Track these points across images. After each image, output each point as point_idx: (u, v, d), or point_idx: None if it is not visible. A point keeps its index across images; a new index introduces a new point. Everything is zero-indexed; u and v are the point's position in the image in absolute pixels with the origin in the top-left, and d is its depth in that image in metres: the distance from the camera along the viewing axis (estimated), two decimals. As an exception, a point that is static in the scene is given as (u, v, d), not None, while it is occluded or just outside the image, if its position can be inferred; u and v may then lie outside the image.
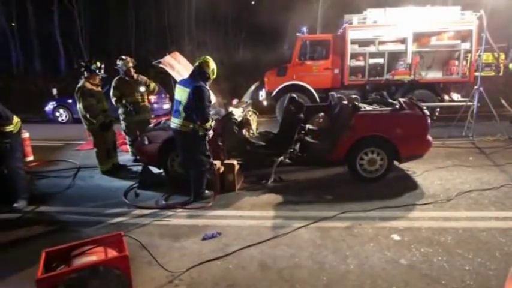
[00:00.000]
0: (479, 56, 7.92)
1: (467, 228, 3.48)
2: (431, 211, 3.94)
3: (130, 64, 5.93)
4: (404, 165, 5.36)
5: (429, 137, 4.90)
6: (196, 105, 4.09)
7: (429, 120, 4.87)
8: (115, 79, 5.96)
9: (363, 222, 3.69)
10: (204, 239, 3.47)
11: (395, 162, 5.01)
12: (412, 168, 5.38)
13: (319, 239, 3.39)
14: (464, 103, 7.82)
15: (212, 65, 4.25)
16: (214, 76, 4.31)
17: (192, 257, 3.13)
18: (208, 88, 4.23)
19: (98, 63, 5.51)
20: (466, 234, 3.37)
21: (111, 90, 5.90)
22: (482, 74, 7.64)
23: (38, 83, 18.72)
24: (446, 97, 9.41)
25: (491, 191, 4.43)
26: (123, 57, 6.02)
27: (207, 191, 4.51)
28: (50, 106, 12.33)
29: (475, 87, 7.35)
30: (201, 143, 4.32)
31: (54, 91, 12.67)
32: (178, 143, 4.43)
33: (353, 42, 9.34)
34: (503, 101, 7.90)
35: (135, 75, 6.01)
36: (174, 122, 4.29)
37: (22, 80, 20.09)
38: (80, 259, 2.44)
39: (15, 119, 4.40)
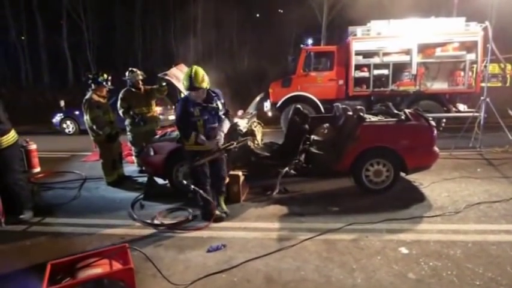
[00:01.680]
0: (485, 66, 7.90)
1: (476, 242, 3.41)
2: (440, 224, 3.88)
3: (140, 77, 6.01)
4: (410, 177, 5.30)
5: (436, 148, 4.86)
6: None
7: (435, 131, 4.83)
8: (122, 91, 6.03)
9: (369, 235, 3.64)
10: (208, 251, 3.44)
11: (402, 174, 4.97)
12: (419, 179, 5.32)
13: (325, 252, 3.34)
14: (470, 114, 7.77)
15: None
16: (186, 84, 3.83)
17: (197, 270, 3.10)
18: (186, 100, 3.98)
19: (105, 75, 5.59)
20: (476, 248, 3.30)
21: (119, 102, 5.95)
22: (489, 84, 7.60)
23: (46, 95, 19.01)
24: (453, 108, 9.37)
25: (500, 204, 4.35)
26: (134, 69, 6.10)
27: (217, 213, 4.13)
28: (57, 118, 12.48)
29: (482, 98, 7.31)
30: (186, 157, 4.17)
31: (62, 103, 12.87)
32: None
33: (357, 53, 9.38)
34: (510, 112, 7.84)
35: (142, 88, 6.08)
36: None
37: (30, 92, 20.43)
38: (85, 271, 2.44)
39: (11, 133, 4.27)
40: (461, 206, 4.30)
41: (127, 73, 6.07)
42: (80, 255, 2.61)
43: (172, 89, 6.06)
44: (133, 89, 6.01)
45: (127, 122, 6.10)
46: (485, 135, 7.38)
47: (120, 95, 5.99)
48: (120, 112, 5.97)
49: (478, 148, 7.18)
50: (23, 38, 24.01)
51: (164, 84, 5.96)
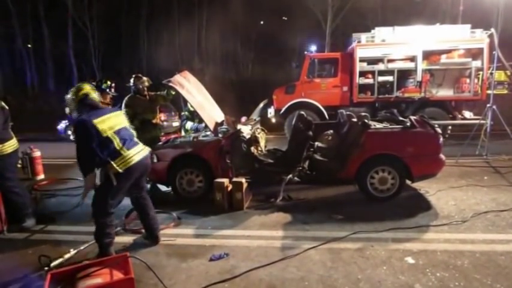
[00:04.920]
0: (491, 74, 7.84)
1: (484, 252, 3.34)
2: (446, 233, 3.81)
3: (146, 83, 5.99)
4: (416, 185, 5.24)
5: (442, 156, 4.79)
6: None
7: (441, 139, 4.78)
8: (127, 97, 5.99)
9: (375, 244, 3.58)
10: (211, 259, 3.39)
11: (408, 181, 4.90)
12: (425, 187, 5.25)
13: (329, 261, 3.28)
14: (477, 121, 7.70)
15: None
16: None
17: (199, 279, 3.06)
18: None
19: (109, 82, 5.58)
20: (484, 258, 3.23)
21: (124, 109, 5.90)
22: (495, 92, 7.54)
23: (51, 102, 19.17)
24: (459, 115, 9.30)
25: (508, 212, 4.27)
26: (140, 75, 6.11)
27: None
28: (62, 125, 12.55)
29: (488, 105, 7.24)
30: None
31: (67, 110, 12.94)
32: (143, 175, 3.71)
33: (362, 60, 9.37)
34: None
35: (147, 95, 6.07)
36: (140, 150, 3.56)
37: (36, 99, 20.63)
38: (85, 281, 2.41)
39: (6, 143, 4.21)
40: (468, 214, 4.23)
41: (131, 80, 6.05)
42: (81, 264, 2.59)
43: (177, 96, 6.05)
44: (138, 96, 6.00)
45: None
46: (492, 142, 7.30)
47: (125, 102, 5.95)
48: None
49: (485, 156, 7.10)
50: (29, 45, 24.32)
51: (173, 92, 5.93)
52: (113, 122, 3.48)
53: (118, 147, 3.35)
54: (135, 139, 3.63)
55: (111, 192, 3.37)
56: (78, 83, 3.71)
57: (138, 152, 3.51)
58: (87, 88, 3.53)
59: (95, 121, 3.31)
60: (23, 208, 4.37)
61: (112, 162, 3.26)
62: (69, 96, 3.48)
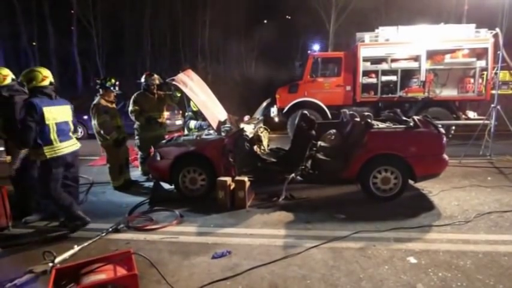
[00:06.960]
0: (496, 73, 7.80)
1: (487, 252, 3.33)
2: (449, 233, 3.80)
3: (157, 81, 6.05)
4: (419, 185, 5.23)
5: (445, 156, 4.78)
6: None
7: (445, 139, 4.77)
8: (136, 94, 6.05)
9: (377, 243, 3.58)
10: (213, 257, 3.41)
11: (410, 181, 4.89)
12: (428, 187, 5.24)
13: (331, 260, 3.29)
14: (481, 121, 7.67)
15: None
16: None
17: (201, 276, 3.08)
18: None
19: (113, 80, 5.63)
20: (487, 259, 3.22)
21: (131, 105, 5.96)
22: (499, 92, 7.50)
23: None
24: (462, 115, 9.26)
25: (511, 213, 4.25)
26: (151, 73, 6.16)
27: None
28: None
29: (492, 105, 7.21)
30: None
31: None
32: (75, 166, 4.23)
33: (365, 59, 9.34)
34: None
35: (156, 93, 6.11)
36: (71, 144, 4.06)
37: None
38: (89, 277, 2.43)
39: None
40: (471, 215, 4.22)
41: (143, 77, 6.12)
42: (85, 260, 2.61)
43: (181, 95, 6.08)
44: (146, 93, 6.04)
45: (136, 125, 6.12)
46: (496, 143, 7.26)
47: (133, 98, 6.00)
48: (132, 115, 5.97)
49: (489, 156, 7.07)
50: (34, 43, 24.45)
51: (179, 94, 5.96)
52: (58, 113, 3.90)
53: (53, 137, 3.82)
54: (71, 134, 4.11)
55: (48, 176, 3.84)
56: (33, 68, 4.08)
57: (70, 146, 4.01)
58: (47, 79, 3.96)
59: (45, 108, 3.73)
60: (39, 204, 4.43)
61: (43, 147, 3.74)
62: (22, 78, 3.91)
